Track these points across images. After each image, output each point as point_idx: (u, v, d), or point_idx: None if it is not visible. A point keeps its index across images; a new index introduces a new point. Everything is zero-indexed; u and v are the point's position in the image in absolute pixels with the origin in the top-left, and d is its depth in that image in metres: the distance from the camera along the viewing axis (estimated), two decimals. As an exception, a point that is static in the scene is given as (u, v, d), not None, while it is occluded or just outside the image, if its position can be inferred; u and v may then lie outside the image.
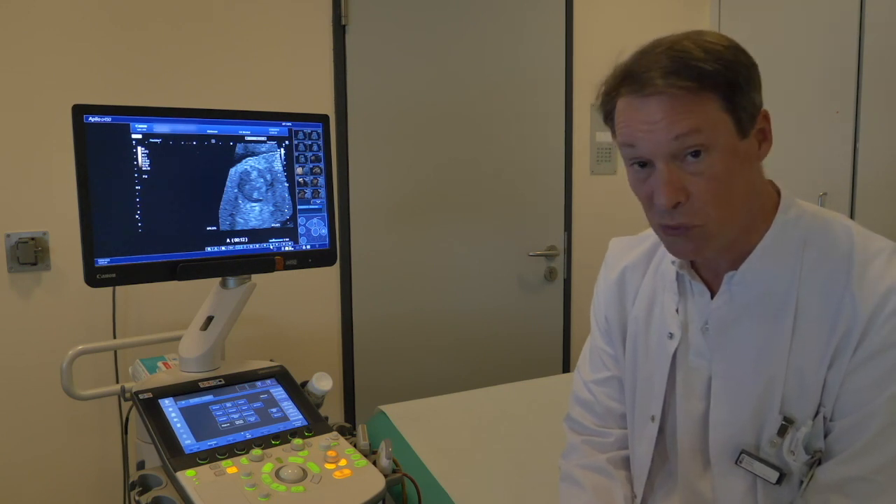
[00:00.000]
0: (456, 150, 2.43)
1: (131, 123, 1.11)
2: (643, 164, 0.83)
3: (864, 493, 0.80)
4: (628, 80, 0.81)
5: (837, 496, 0.82)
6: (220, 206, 1.19)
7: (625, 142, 0.83)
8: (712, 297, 0.91)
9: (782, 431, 0.84)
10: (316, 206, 1.29)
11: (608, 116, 0.87)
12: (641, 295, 1.03)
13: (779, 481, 0.85)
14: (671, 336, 0.95)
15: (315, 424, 1.12)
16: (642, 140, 0.80)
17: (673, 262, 0.96)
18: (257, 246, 1.23)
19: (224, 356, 1.30)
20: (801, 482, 0.85)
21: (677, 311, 0.95)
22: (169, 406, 1.10)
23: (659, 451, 0.99)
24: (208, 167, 1.18)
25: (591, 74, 2.59)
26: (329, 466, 1.01)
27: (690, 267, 0.94)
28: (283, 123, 1.25)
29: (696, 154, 0.78)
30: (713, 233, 0.82)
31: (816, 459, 0.83)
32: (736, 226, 0.84)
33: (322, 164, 1.29)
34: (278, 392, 1.19)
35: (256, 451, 1.02)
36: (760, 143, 0.84)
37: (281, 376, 1.23)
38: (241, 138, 1.21)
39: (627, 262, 1.06)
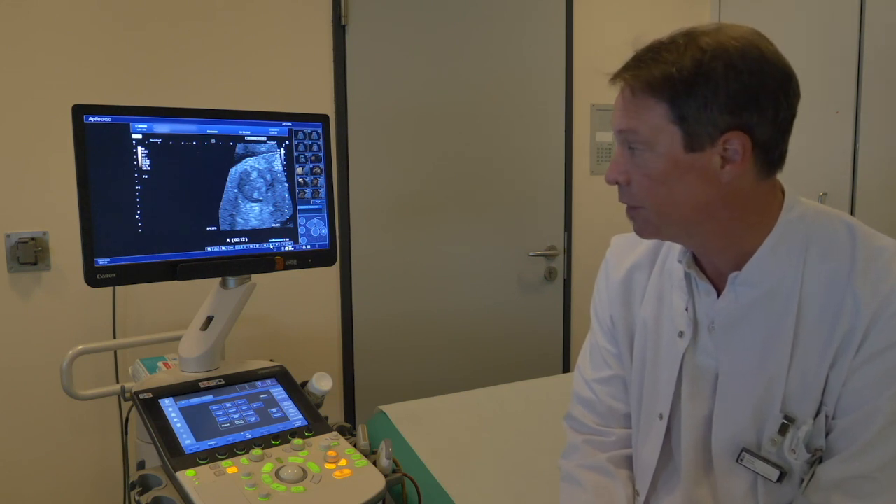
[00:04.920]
0: (456, 150, 2.43)
1: (131, 123, 1.11)
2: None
3: (865, 491, 0.80)
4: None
5: (838, 494, 0.82)
6: (220, 206, 1.19)
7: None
8: (719, 297, 0.91)
9: (783, 430, 0.84)
10: (316, 206, 1.29)
11: None
12: (649, 294, 1.02)
13: (780, 479, 0.85)
14: (681, 335, 0.95)
15: (315, 424, 1.12)
16: (613, 121, 0.87)
17: (680, 261, 0.95)
18: (257, 246, 1.23)
19: (224, 356, 1.30)
20: (802, 481, 0.85)
21: (686, 309, 0.95)
22: (169, 406, 1.10)
23: (663, 450, 0.99)
24: (208, 167, 1.18)
25: (591, 75, 2.59)
26: (329, 466, 1.01)
27: (696, 266, 0.94)
28: (283, 123, 1.25)
29: (632, 149, 0.84)
30: (654, 221, 0.87)
31: (817, 458, 0.84)
32: (686, 227, 0.86)
33: (322, 164, 1.29)
34: (278, 392, 1.19)
35: (256, 451, 1.02)
36: (725, 163, 0.80)
37: (281, 376, 1.22)
38: (241, 138, 1.21)
39: (633, 261, 1.05)
